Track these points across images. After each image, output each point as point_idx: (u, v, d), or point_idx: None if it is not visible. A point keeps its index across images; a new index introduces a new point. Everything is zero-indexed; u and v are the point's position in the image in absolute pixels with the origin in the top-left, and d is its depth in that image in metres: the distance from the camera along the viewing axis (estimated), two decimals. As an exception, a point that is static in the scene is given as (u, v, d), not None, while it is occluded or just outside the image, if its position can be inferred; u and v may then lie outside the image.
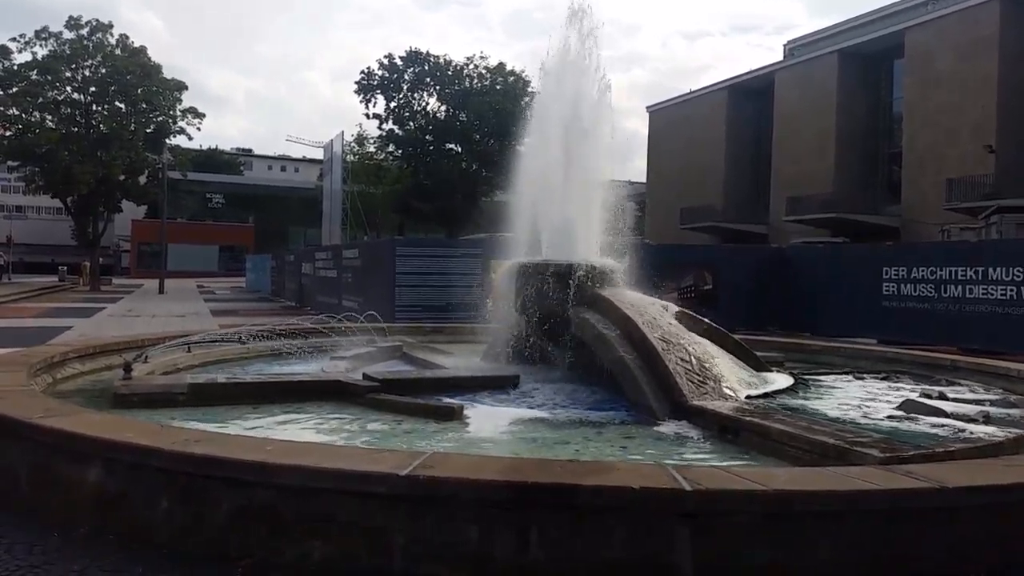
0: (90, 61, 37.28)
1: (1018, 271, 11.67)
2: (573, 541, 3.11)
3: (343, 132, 34.61)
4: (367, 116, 51.59)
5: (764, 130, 43.07)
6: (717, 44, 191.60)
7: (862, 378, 7.98)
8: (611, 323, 7.02)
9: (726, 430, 5.58)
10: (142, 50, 38.33)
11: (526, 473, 3.26)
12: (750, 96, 45.04)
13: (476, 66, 49.99)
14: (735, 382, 6.72)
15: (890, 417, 5.96)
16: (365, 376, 6.97)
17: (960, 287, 12.54)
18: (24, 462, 4.10)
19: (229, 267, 59.36)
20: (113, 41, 38.06)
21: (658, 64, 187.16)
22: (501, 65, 49.81)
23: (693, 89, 50.26)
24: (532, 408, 6.39)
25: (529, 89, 48.60)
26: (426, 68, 50.53)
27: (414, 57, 50.55)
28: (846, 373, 8.33)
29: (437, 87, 50.90)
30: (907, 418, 5.85)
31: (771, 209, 41.71)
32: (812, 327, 14.43)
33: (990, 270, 12.07)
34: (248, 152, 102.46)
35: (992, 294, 12.02)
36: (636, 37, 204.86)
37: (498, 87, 49.31)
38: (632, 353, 6.60)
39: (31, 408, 4.35)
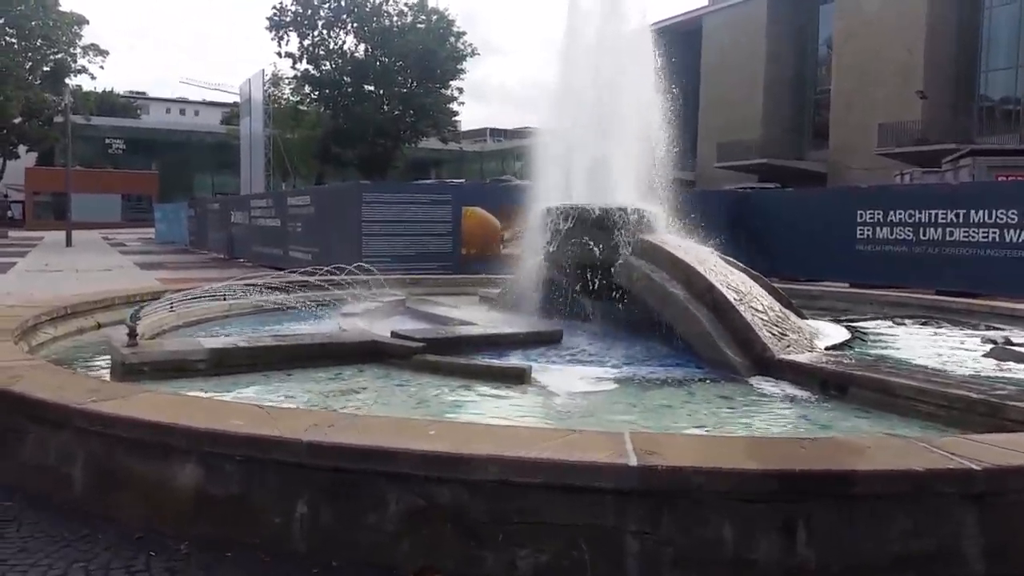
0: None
1: (1001, 214, 11.71)
2: (847, 536, 2.56)
3: (263, 71, 32.49)
4: (279, 55, 49.01)
5: (692, 76, 42.91)
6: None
7: (903, 323, 7.71)
8: (666, 272, 6.46)
9: (827, 386, 5.15)
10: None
11: (789, 459, 2.66)
12: (677, 40, 44.69)
13: (395, 2, 47.92)
14: (808, 333, 6.28)
15: (982, 366, 5.64)
16: (394, 334, 6.23)
17: (940, 230, 12.55)
18: (76, 457, 3.25)
19: (133, 217, 55.97)
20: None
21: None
22: (422, 2, 47.85)
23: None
24: (598, 366, 5.81)
25: (455, 28, 47.10)
26: (342, 3, 48.12)
27: (329, -8, 48.03)
28: (879, 318, 8.07)
29: (355, 24, 48.62)
30: (1003, 367, 5.54)
31: (699, 155, 41.87)
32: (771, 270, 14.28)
33: (972, 212, 12.08)
34: (143, 95, 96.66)
35: (974, 237, 12.05)
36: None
37: (420, 25, 47.46)
38: (698, 304, 6.07)
39: (69, 388, 3.49)
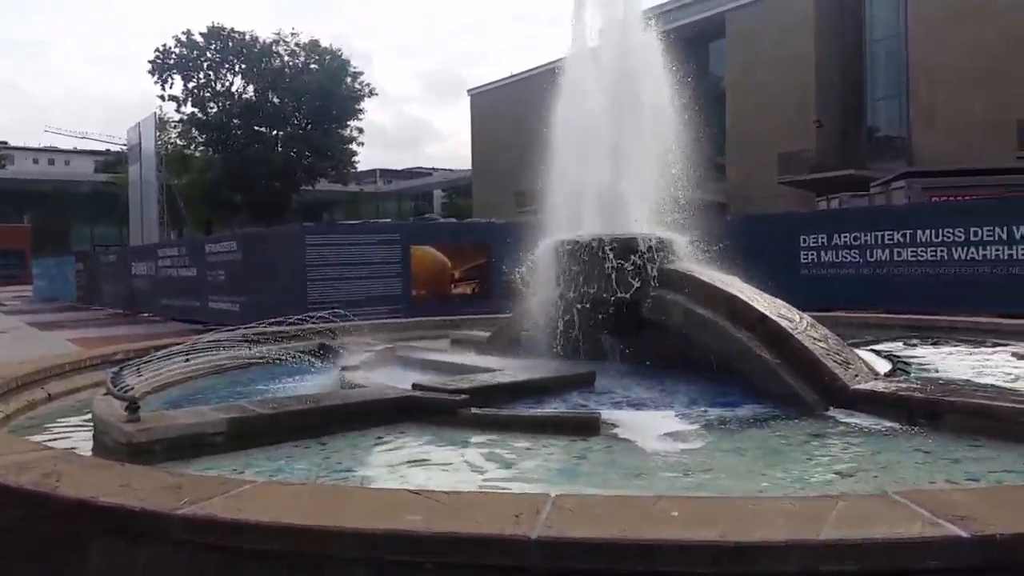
0: None
1: (947, 232, 12.05)
2: None
3: (154, 113, 30.73)
4: (162, 99, 46.85)
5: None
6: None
7: (913, 345, 7.60)
8: (704, 303, 6.06)
9: (915, 415, 4.83)
10: None
11: None
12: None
13: (287, 43, 46.80)
14: (863, 360, 6.00)
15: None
16: (417, 387, 5.56)
17: (888, 251, 12.82)
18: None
19: (3, 274, 51.85)
20: None
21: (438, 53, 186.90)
22: (315, 42, 46.98)
23: (514, 73, 50.19)
24: (656, 410, 5.31)
25: (351, 68, 46.37)
26: (230, 45, 46.64)
27: (215, 33, 46.47)
28: (886, 340, 7.95)
29: (243, 65, 47.15)
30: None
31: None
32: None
33: (919, 233, 12.39)
34: (4, 144, 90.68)
35: (922, 256, 12.35)
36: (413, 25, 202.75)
37: (313, 66, 46.46)
38: (750, 335, 5.69)
39: (139, 486, 2.71)
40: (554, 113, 7.25)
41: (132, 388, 5.82)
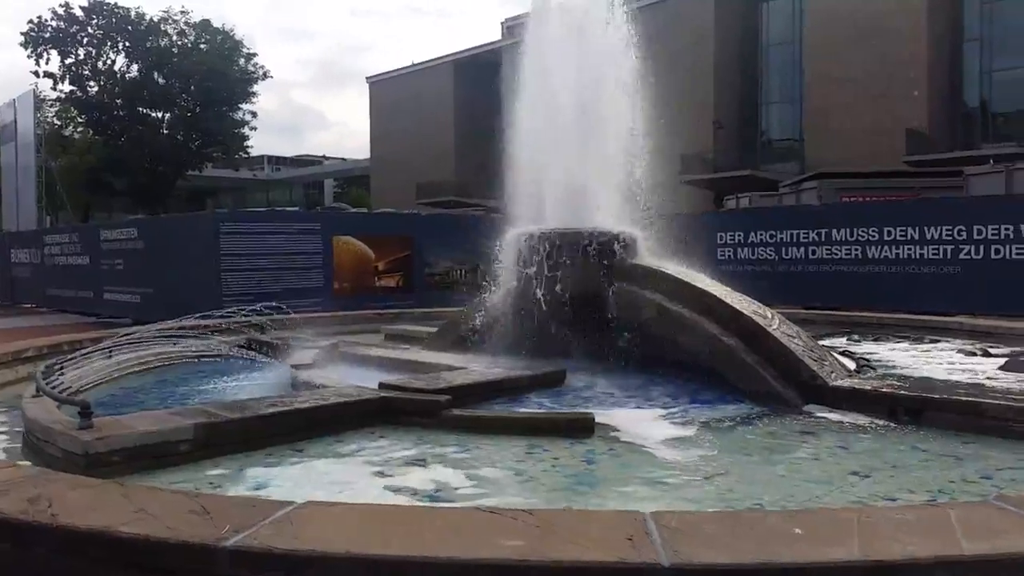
0: None
1: (862, 231, 12.53)
2: None
3: (32, 90, 28.48)
4: (37, 75, 43.54)
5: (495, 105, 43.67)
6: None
7: (857, 341, 7.80)
8: (675, 299, 5.98)
9: (897, 411, 4.88)
10: None
11: None
12: (481, 70, 45.50)
13: (176, 22, 44.41)
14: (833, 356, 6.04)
15: (1008, 379, 5.67)
16: (386, 386, 5.23)
17: (803, 249, 13.22)
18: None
19: None
20: None
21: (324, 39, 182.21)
22: (206, 22, 44.77)
23: (416, 62, 49.44)
24: (637, 409, 5.18)
25: (243, 49, 44.46)
26: (113, 21, 43.83)
27: (97, 8, 43.56)
28: (832, 336, 8.13)
29: (127, 44, 44.42)
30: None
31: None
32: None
33: (834, 231, 12.83)
34: None
35: (836, 254, 12.80)
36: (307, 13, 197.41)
37: (203, 46, 44.27)
38: (726, 332, 5.64)
39: (166, 513, 2.33)
40: (516, 96, 6.99)
41: (69, 389, 5.27)
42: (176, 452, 4.03)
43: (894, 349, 7.31)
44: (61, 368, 5.78)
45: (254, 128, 46.75)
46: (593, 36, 6.75)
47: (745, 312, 5.71)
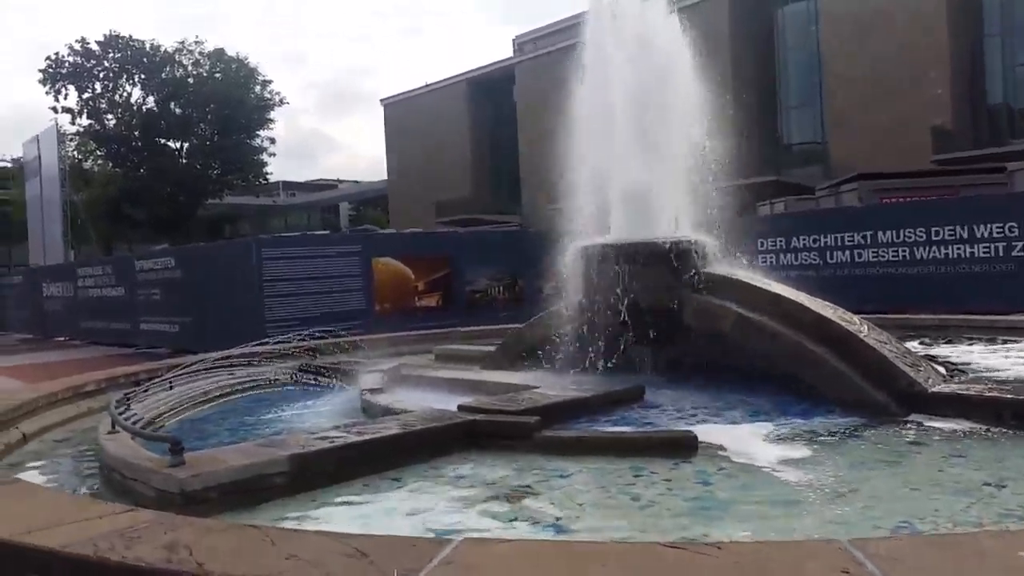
0: None
1: (907, 233, 12.29)
2: None
3: (54, 125, 28.70)
4: (55, 110, 43.91)
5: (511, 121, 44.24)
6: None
7: (929, 344, 7.57)
8: (756, 307, 5.78)
9: (1003, 417, 4.65)
10: None
11: None
12: (493, 88, 45.89)
13: (190, 52, 44.70)
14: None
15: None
16: (462, 408, 5.07)
17: (848, 252, 12.99)
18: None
19: None
20: None
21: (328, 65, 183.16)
22: (220, 51, 45.03)
23: (429, 83, 49.60)
24: (734, 424, 4.97)
25: (259, 76, 44.71)
26: (128, 54, 44.19)
27: (113, 41, 43.94)
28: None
29: (142, 76, 44.76)
30: None
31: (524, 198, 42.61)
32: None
33: (879, 234, 12.60)
34: None
35: (883, 256, 12.56)
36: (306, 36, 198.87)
37: (218, 75, 44.53)
38: (813, 340, 5.43)
39: (322, 563, 2.16)
40: (574, 104, 6.85)
41: (140, 422, 5.15)
42: (271, 485, 3.87)
43: (971, 351, 7.08)
44: (127, 402, 5.65)
45: (273, 154, 46.93)
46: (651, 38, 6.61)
47: (832, 318, 5.51)
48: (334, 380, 7.17)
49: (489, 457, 4.43)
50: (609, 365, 6.29)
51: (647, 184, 6.48)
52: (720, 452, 4.29)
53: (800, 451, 4.28)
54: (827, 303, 5.85)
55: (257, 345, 8.22)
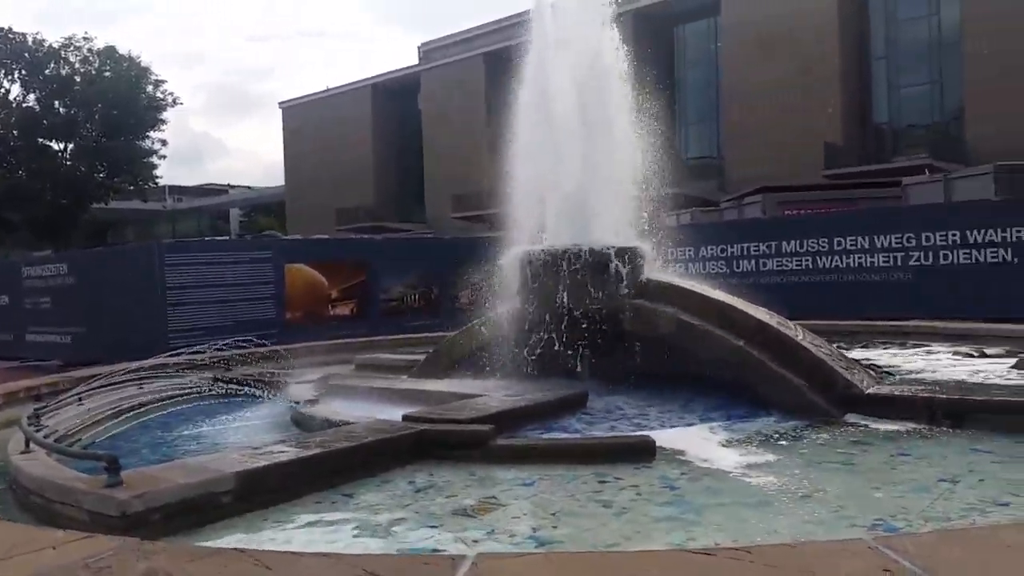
0: None
1: (811, 243, 12.80)
2: None
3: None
4: (-79, 105, 40.78)
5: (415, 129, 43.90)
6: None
7: (847, 348, 7.84)
8: (696, 313, 5.82)
9: (937, 416, 4.84)
10: None
11: None
12: (398, 95, 45.45)
13: (78, 49, 42.31)
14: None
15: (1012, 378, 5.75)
16: (408, 418, 4.89)
17: (753, 261, 13.42)
18: None
19: None
20: None
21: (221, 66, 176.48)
22: (111, 48, 42.85)
23: (329, 87, 48.61)
24: (686, 427, 4.97)
25: (151, 76, 42.71)
26: (8, 48, 41.46)
27: (-11, 34, 41.14)
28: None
29: (23, 72, 42.08)
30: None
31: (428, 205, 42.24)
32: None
33: (783, 243, 13.07)
34: None
35: (787, 265, 13.03)
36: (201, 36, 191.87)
37: (108, 73, 42.31)
38: (752, 345, 5.51)
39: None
40: (514, 110, 6.78)
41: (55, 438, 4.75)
42: (218, 504, 3.60)
43: (890, 354, 7.37)
44: (39, 418, 5.19)
45: (163, 156, 44.94)
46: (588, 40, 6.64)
47: (771, 324, 5.62)
48: (257, 391, 6.84)
49: (443, 468, 4.27)
50: (548, 372, 6.22)
51: (584, 190, 6.46)
52: (678, 457, 4.29)
53: (756, 453, 4.32)
54: (764, 309, 5.96)
55: (170, 356, 7.78)
